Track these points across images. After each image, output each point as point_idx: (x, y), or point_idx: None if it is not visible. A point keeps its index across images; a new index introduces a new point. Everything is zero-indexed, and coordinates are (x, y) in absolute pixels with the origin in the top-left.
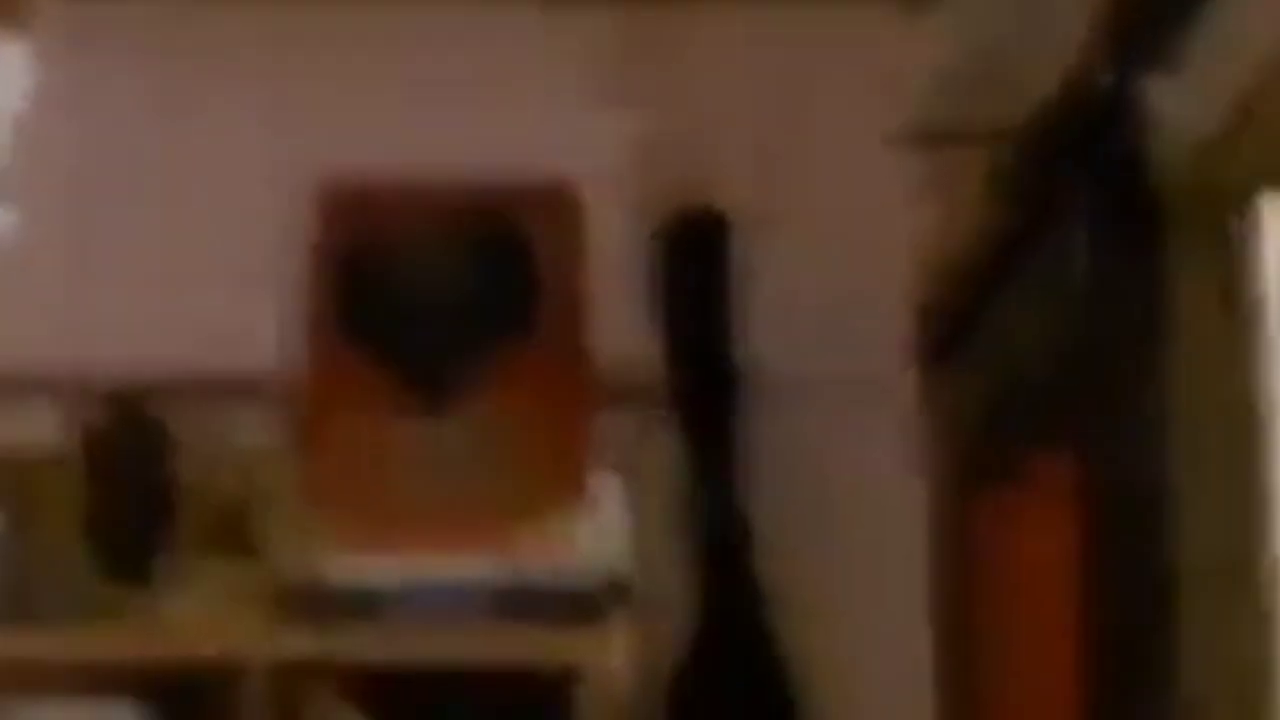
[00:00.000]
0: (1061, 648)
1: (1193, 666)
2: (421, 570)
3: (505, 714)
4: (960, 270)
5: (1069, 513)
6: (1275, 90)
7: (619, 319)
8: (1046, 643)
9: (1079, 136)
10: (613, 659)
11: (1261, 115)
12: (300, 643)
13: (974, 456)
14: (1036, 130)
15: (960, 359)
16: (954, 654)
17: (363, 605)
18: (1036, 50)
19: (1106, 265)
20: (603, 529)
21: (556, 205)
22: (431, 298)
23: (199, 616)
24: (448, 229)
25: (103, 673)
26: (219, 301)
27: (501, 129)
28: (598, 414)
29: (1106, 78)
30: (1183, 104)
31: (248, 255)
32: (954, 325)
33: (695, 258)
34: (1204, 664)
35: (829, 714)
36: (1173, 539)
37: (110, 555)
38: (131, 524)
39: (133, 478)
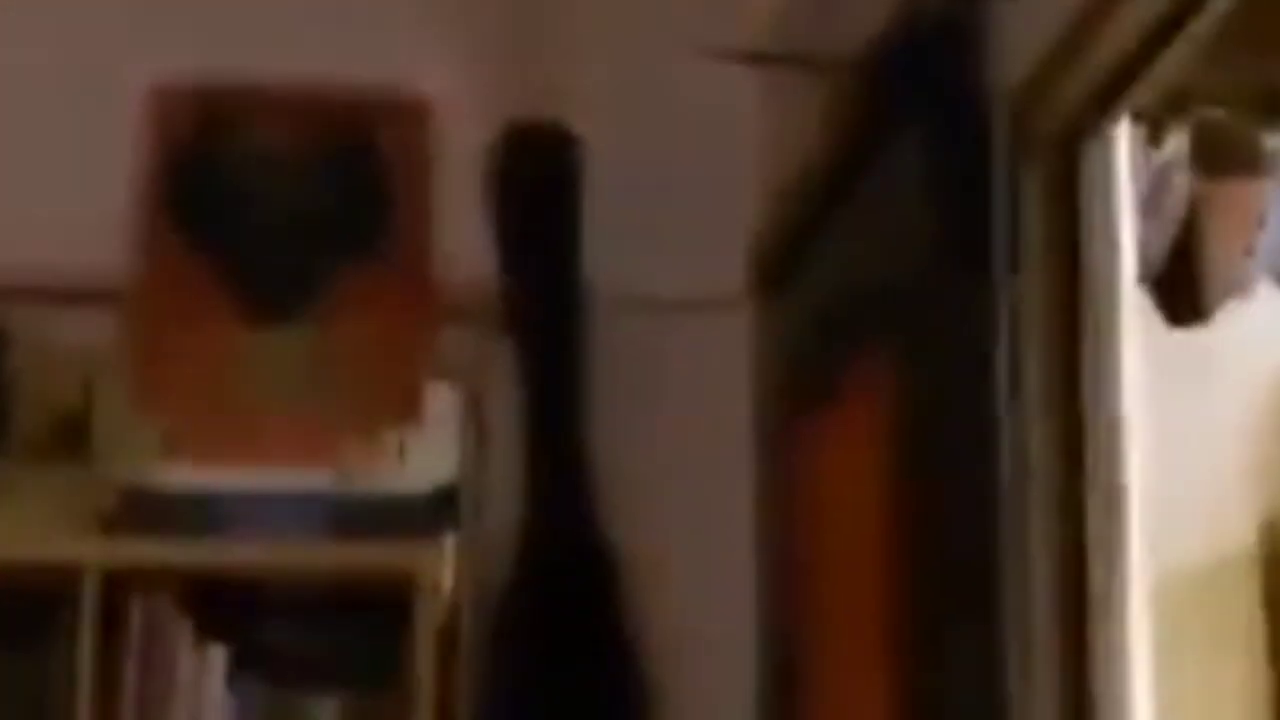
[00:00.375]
0: (874, 564)
1: (1012, 583)
2: (255, 480)
3: (339, 626)
4: (797, 193)
5: (886, 434)
6: (1114, 12)
7: (464, 233)
8: (860, 559)
9: (915, 59)
10: (446, 571)
11: (1099, 39)
12: (132, 550)
13: (797, 378)
14: (874, 53)
15: (793, 282)
16: (776, 568)
17: (195, 514)
18: None
19: (941, 190)
20: (439, 443)
21: (407, 115)
22: (274, 205)
23: (30, 522)
24: (294, 134)
25: None
26: (58, 201)
27: (348, 41)
28: (439, 327)
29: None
30: (1021, 26)
31: (90, 153)
32: (789, 248)
33: (534, 170)
34: (1022, 579)
35: (658, 622)
36: (995, 473)
37: None
38: None
39: None
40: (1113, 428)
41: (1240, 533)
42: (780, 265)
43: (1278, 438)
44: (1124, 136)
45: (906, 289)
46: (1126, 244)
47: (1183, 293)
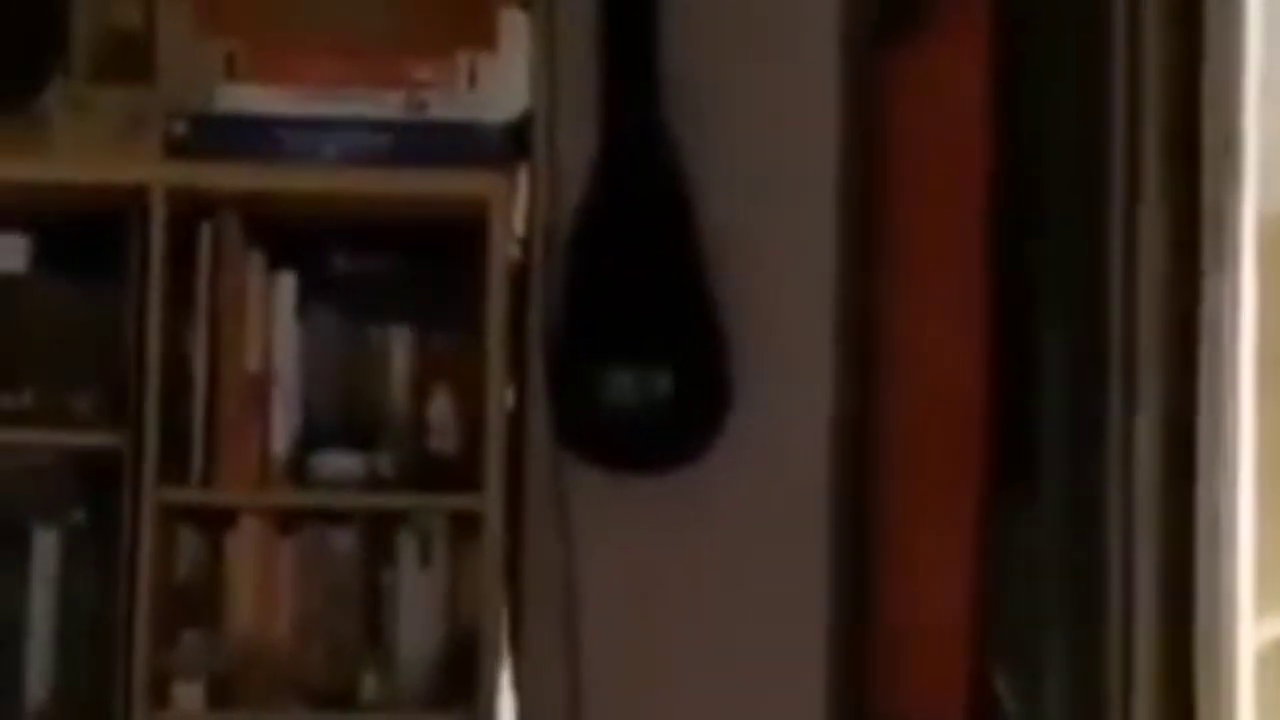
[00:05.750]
0: (970, 197)
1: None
2: (323, 105)
3: (411, 259)
4: None
5: (982, 61)
6: None
7: None
8: (955, 193)
9: None
10: (518, 202)
11: None
12: (198, 173)
13: (889, 5)
14: None
15: None
16: (860, 206)
17: (262, 138)
18: None
19: None
20: (512, 71)
21: None
22: None
23: (94, 144)
24: None
25: None
26: None
27: None
28: None
29: None
30: None
31: None
32: None
33: None
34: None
35: (731, 251)
36: (1107, 111)
37: None
38: (22, 48)
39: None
40: (1232, 76)
41: None
42: None
43: None
44: None
45: None
46: None
47: None
